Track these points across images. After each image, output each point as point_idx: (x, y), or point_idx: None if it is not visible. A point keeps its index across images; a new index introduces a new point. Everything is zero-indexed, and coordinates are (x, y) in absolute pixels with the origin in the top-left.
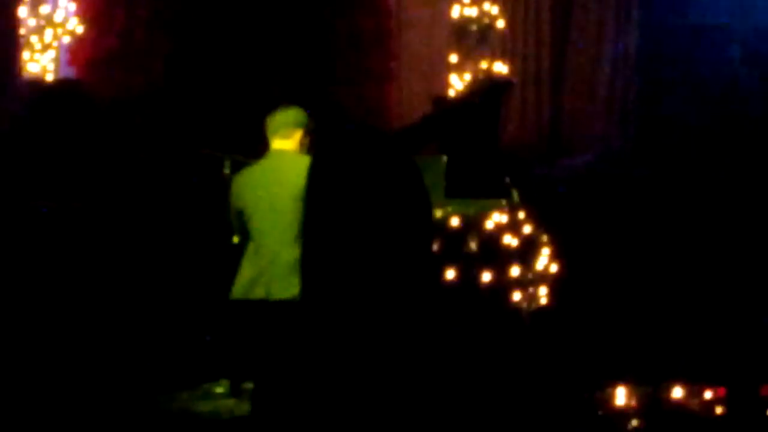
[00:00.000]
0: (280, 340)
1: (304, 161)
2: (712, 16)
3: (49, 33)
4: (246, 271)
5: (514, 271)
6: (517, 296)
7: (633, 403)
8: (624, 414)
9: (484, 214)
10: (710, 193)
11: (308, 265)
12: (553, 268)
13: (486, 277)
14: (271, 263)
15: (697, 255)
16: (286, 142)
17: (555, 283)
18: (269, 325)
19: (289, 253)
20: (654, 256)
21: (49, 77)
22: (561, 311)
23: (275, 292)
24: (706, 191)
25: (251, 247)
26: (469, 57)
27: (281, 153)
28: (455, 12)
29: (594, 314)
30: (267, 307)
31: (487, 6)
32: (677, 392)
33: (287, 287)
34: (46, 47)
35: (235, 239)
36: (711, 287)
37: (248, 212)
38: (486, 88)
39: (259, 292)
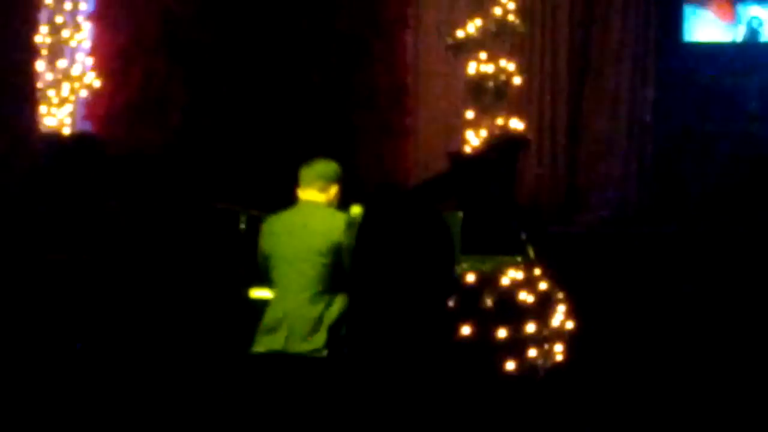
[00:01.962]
0: (297, 394)
1: (336, 217)
2: (728, 72)
3: (66, 87)
4: (266, 321)
5: (530, 327)
6: (532, 353)
7: None
8: None
9: (500, 271)
10: (729, 248)
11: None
12: (569, 324)
13: (501, 333)
14: (291, 315)
15: (716, 312)
16: (320, 194)
17: (570, 340)
18: (286, 378)
19: (310, 307)
20: (671, 314)
21: (66, 131)
22: (576, 368)
23: (293, 345)
24: (724, 247)
25: (275, 296)
26: (485, 113)
27: (313, 205)
28: (472, 68)
29: (610, 372)
30: (286, 360)
31: (503, 62)
32: None
33: (306, 341)
34: (63, 101)
35: (252, 293)
36: (730, 346)
37: (273, 260)
38: (502, 145)
39: (276, 344)
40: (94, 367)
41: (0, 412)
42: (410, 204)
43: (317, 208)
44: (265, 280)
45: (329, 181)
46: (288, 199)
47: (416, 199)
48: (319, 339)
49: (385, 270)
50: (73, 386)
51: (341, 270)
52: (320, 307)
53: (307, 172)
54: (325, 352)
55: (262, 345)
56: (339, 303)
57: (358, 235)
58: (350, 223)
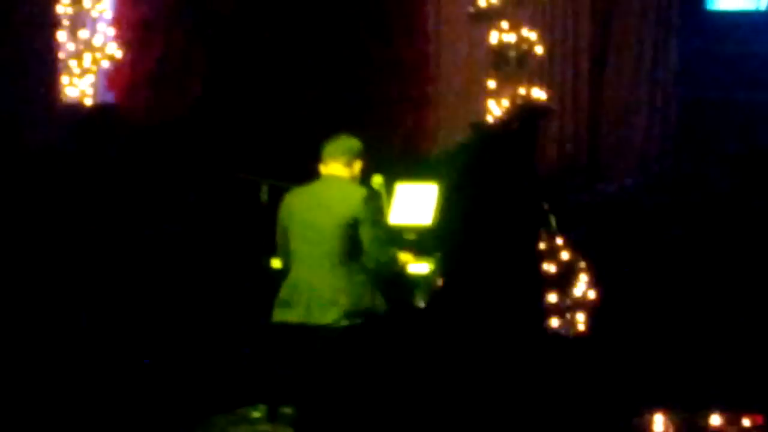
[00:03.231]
0: (320, 365)
1: (356, 190)
2: (752, 44)
3: (87, 57)
4: (284, 293)
5: (552, 297)
6: (555, 323)
7: (671, 430)
8: None
9: None
10: (750, 219)
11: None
12: (591, 294)
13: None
14: (311, 287)
15: (736, 282)
16: (344, 169)
17: (593, 310)
18: (308, 349)
19: (330, 279)
20: (692, 283)
21: (88, 102)
22: (599, 338)
23: (315, 316)
24: (745, 218)
25: (292, 268)
26: (507, 83)
27: (335, 179)
28: (493, 38)
29: (632, 341)
30: (306, 331)
31: (525, 32)
32: (715, 419)
33: (327, 313)
34: (84, 72)
35: (274, 263)
36: (750, 314)
37: (292, 234)
38: (524, 114)
39: (297, 316)
40: (115, 335)
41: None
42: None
43: (338, 181)
44: (281, 254)
45: (353, 156)
46: (309, 169)
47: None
48: (338, 310)
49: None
50: (96, 351)
51: (358, 243)
52: (338, 279)
53: (332, 147)
54: (343, 323)
55: (282, 316)
56: (358, 277)
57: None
58: (373, 195)
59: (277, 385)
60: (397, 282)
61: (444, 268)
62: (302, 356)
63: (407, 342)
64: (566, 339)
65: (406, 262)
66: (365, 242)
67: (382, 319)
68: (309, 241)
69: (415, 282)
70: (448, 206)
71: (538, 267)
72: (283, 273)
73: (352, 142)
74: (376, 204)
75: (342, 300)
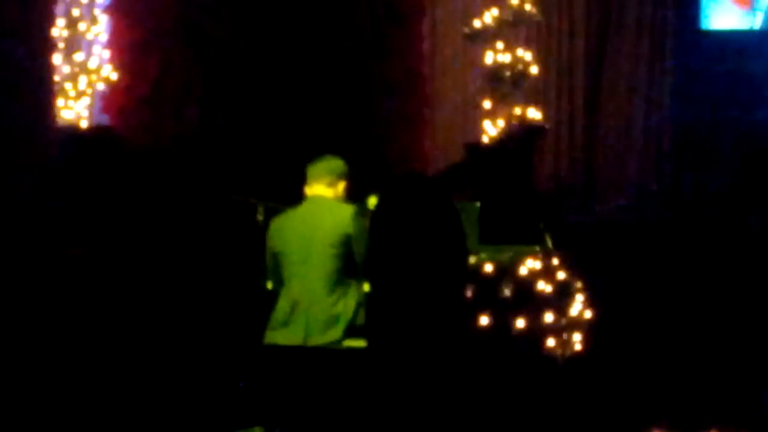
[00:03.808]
0: (318, 386)
1: (343, 208)
2: (746, 63)
3: (83, 80)
4: (279, 316)
5: (548, 317)
6: (551, 342)
7: None
8: None
9: (518, 260)
10: (748, 237)
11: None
12: (588, 314)
13: (520, 323)
14: (306, 310)
15: (734, 300)
16: (328, 190)
17: (589, 329)
18: (306, 371)
19: (326, 299)
20: (690, 302)
21: (84, 124)
22: (595, 357)
23: (314, 337)
24: (743, 235)
25: (284, 292)
26: (502, 103)
27: (321, 200)
28: (489, 58)
29: (629, 360)
30: (304, 353)
31: (520, 51)
32: None
33: (326, 332)
34: (80, 94)
35: (269, 285)
36: (748, 334)
37: (283, 256)
38: (520, 134)
39: (294, 338)
40: (111, 360)
41: (19, 407)
42: (424, 192)
43: (324, 201)
44: (271, 276)
45: (337, 176)
46: (304, 190)
47: (432, 188)
48: (337, 331)
49: (398, 257)
50: (91, 379)
51: (353, 260)
52: (335, 298)
53: (315, 169)
54: (343, 344)
55: (279, 337)
56: (354, 293)
57: (373, 222)
58: (363, 213)
59: (273, 408)
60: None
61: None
62: (301, 378)
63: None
64: (556, 362)
65: None
66: (359, 257)
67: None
68: (303, 262)
69: None
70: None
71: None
72: (271, 294)
73: (335, 164)
74: (362, 219)
75: (340, 319)
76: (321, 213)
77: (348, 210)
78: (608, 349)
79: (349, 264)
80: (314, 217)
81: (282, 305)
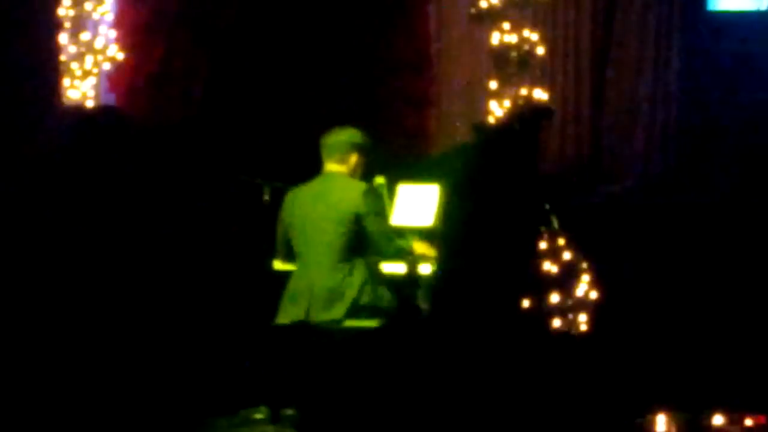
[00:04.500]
0: (320, 366)
1: (356, 187)
2: (753, 44)
3: (89, 60)
4: (288, 291)
5: (554, 297)
6: (557, 323)
7: (673, 430)
8: None
9: None
10: (753, 219)
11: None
12: (593, 294)
13: (525, 303)
14: (312, 285)
15: (739, 282)
16: (340, 165)
17: (595, 310)
18: (309, 348)
19: (330, 276)
20: (694, 283)
21: (90, 104)
22: (601, 338)
23: (317, 313)
24: (748, 217)
25: (296, 266)
26: (508, 83)
27: (334, 176)
28: (495, 38)
29: (634, 341)
30: (307, 330)
31: (526, 33)
32: (718, 419)
33: (329, 309)
34: (86, 74)
35: (275, 265)
36: (753, 314)
37: (293, 231)
38: (526, 115)
39: (300, 313)
40: (116, 337)
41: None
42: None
43: (337, 178)
44: (280, 251)
45: (346, 150)
46: (310, 170)
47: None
48: (339, 309)
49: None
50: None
51: (362, 239)
52: (340, 276)
53: (325, 143)
54: (345, 323)
55: (286, 315)
56: (360, 272)
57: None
58: (372, 188)
59: (279, 387)
60: (408, 279)
61: (444, 269)
62: (305, 357)
63: (411, 344)
64: (572, 338)
65: (422, 253)
66: (370, 236)
67: (388, 320)
68: (310, 238)
69: (419, 282)
70: (448, 208)
71: (538, 267)
72: (278, 275)
73: (343, 136)
74: (376, 197)
75: (344, 296)
76: (331, 189)
77: (358, 188)
78: (614, 330)
79: (357, 242)
80: (325, 193)
81: (291, 280)
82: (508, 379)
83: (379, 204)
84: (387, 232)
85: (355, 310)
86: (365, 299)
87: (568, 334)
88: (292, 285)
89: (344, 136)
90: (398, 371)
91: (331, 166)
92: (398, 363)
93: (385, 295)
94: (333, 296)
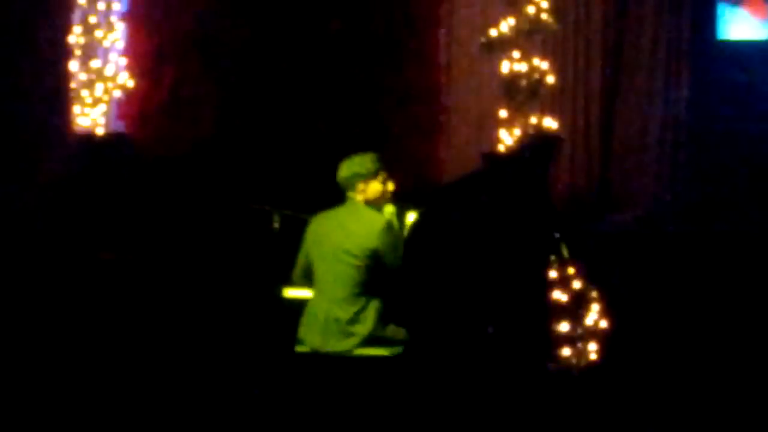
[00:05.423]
0: (331, 393)
1: (373, 220)
2: (763, 71)
3: (99, 87)
4: (304, 318)
5: (564, 326)
6: (566, 352)
7: None
8: None
9: None
10: (763, 247)
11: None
12: (603, 323)
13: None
14: (326, 315)
15: (749, 311)
16: (359, 195)
17: (605, 339)
18: (319, 377)
19: (346, 307)
20: (704, 313)
21: (100, 131)
22: (611, 367)
23: (330, 344)
24: (758, 248)
25: (313, 294)
26: (518, 112)
27: (356, 205)
28: (505, 67)
29: (644, 371)
30: (317, 359)
31: (536, 61)
32: None
33: (342, 340)
34: (96, 101)
35: (286, 293)
36: (764, 345)
37: (314, 258)
38: (536, 144)
39: (313, 342)
40: (127, 366)
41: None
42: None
43: (359, 208)
44: (299, 275)
45: (364, 179)
46: (320, 198)
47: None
48: (351, 340)
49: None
50: (106, 386)
51: (379, 273)
52: (354, 308)
53: (342, 173)
54: (356, 352)
55: (302, 342)
56: (374, 307)
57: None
58: (392, 226)
59: (289, 415)
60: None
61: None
62: (315, 385)
63: (423, 375)
64: (572, 375)
65: None
66: (387, 270)
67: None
68: (328, 267)
69: None
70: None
71: (546, 298)
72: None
73: (357, 167)
74: (394, 232)
75: (358, 328)
76: (351, 221)
77: (378, 223)
78: (624, 359)
79: (373, 276)
80: (345, 224)
81: (308, 307)
82: (512, 412)
83: (395, 238)
84: (399, 264)
85: (368, 342)
86: (380, 331)
87: (570, 371)
88: (309, 311)
89: (356, 166)
90: (408, 401)
91: (352, 194)
92: (408, 393)
93: (398, 329)
94: (348, 328)
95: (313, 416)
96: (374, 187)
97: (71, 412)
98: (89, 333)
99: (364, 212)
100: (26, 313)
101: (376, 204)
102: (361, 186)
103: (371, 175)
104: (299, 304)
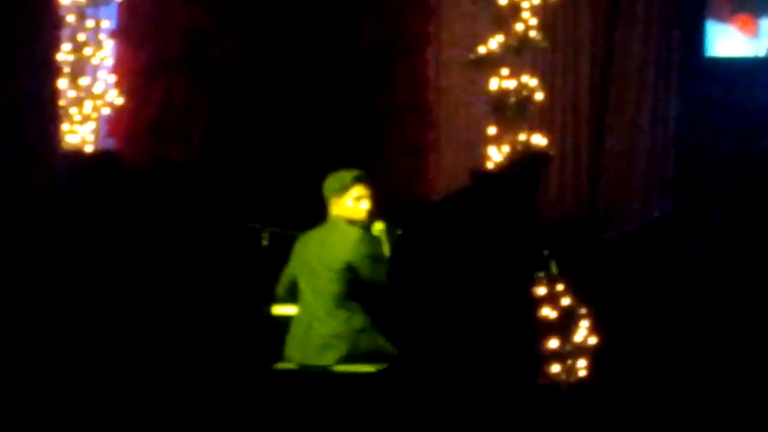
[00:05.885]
0: (311, 411)
1: (350, 234)
2: (751, 87)
3: (88, 105)
4: (289, 335)
5: (553, 343)
6: (555, 368)
7: None
8: None
9: None
10: (750, 264)
11: None
12: (592, 340)
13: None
14: (309, 329)
15: (736, 327)
16: (337, 210)
17: (594, 356)
18: (301, 394)
19: (327, 322)
20: (694, 328)
21: (89, 149)
22: (600, 384)
23: (312, 358)
24: (745, 262)
25: (298, 310)
26: (507, 129)
27: (336, 220)
28: (493, 84)
29: (633, 387)
30: (299, 375)
31: (525, 78)
32: None
33: (323, 355)
34: (85, 119)
35: (274, 310)
36: (752, 360)
37: (299, 276)
38: (524, 161)
39: (295, 357)
40: (118, 382)
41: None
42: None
43: (337, 224)
44: (282, 291)
45: (336, 193)
46: (308, 216)
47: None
48: (331, 355)
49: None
50: (98, 404)
51: (358, 286)
52: (334, 323)
53: (324, 188)
54: (337, 368)
55: (286, 359)
56: (357, 320)
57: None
58: (365, 236)
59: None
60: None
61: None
62: (297, 402)
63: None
64: (561, 392)
65: None
66: (365, 282)
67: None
68: (310, 283)
69: None
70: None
71: (532, 315)
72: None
73: (326, 183)
74: (370, 243)
75: (339, 343)
76: (330, 236)
77: (352, 235)
78: (613, 376)
79: (354, 290)
80: (323, 239)
81: (292, 323)
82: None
83: (373, 250)
84: (381, 279)
85: (349, 358)
86: (363, 346)
87: (558, 386)
88: (293, 328)
89: (330, 182)
90: (392, 419)
91: (332, 210)
92: (393, 410)
93: (385, 343)
94: (327, 342)
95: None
96: (343, 204)
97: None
98: (75, 349)
99: (341, 226)
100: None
101: (359, 221)
102: (333, 201)
103: (342, 191)
104: (287, 322)
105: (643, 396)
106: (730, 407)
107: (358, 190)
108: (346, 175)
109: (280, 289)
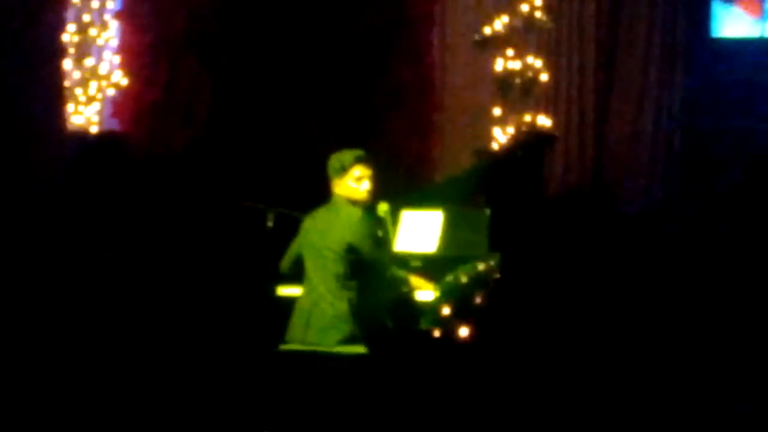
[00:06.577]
0: (320, 390)
1: (351, 215)
2: (756, 68)
3: (93, 85)
4: (294, 314)
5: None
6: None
7: None
8: None
9: None
10: (754, 247)
11: None
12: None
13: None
14: (312, 309)
15: (739, 309)
16: (339, 189)
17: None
18: (305, 374)
19: (330, 302)
20: (696, 309)
21: (93, 129)
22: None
23: (314, 338)
24: (749, 245)
25: (303, 290)
26: (512, 110)
27: (338, 200)
28: (499, 65)
29: (635, 368)
30: (303, 356)
31: (530, 59)
32: None
33: (326, 335)
34: (90, 100)
35: (279, 291)
36: (750, 343)
37: (305, 256)
38: (529, 142)
39: (299, 337)
40: (120, 362)
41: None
42: None
43: (339, 204)
44: (288, 269)
45: (337, 173)
46: (313, 196)
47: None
48: (333, 336)
49: None
50: (99, 384)
51: (362, 267)
52: (338, 304)
53: (328, 167)
54: (336, 349)
55: (291, 339)
56: (360, 299)
57: None
58: (366, 216)
59: (281, 412)
60: (403, 306)
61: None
62: (302, 382)
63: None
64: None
65: (417, 287)
66: (366, 262)
67: (389, 344)
68: (313, 263)
69: (420, 309)
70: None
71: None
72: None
73: (333, 160)
74: (371, 223)
75: (342, 324)
76: (331, 217)
77: (353, 216)
78: (613, 357)
79: (356, 270)
80: (326, 220)
81: (297, 303)
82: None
83: (374, 230)
84: (382, 259)
85: (352, 338)
86: (366, 328)
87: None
88: (298, 307)
89: (334, 160)
90: (389, 396)
91: (335, 190)
92: (388, 388)
93: (386, 323)
94: (331, 323)
95: (292, 414)
96: (345, 184)
97: (62, 411)
98: (81, 329)
99: (342, 207)
100: (19, 310)
101: (361, 201)
102: (336, 181)
103: (343, 171)
104: (291, 302)
105: (649, 379)
106: (728, 388)
107: (360, 170)
108: (348, 155)
109: (285, 262)
